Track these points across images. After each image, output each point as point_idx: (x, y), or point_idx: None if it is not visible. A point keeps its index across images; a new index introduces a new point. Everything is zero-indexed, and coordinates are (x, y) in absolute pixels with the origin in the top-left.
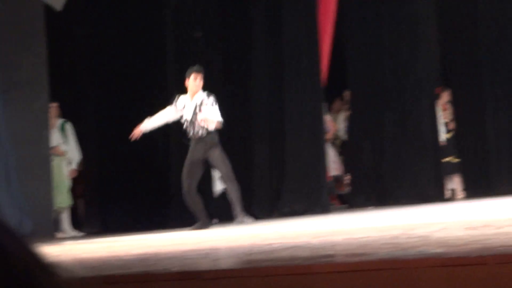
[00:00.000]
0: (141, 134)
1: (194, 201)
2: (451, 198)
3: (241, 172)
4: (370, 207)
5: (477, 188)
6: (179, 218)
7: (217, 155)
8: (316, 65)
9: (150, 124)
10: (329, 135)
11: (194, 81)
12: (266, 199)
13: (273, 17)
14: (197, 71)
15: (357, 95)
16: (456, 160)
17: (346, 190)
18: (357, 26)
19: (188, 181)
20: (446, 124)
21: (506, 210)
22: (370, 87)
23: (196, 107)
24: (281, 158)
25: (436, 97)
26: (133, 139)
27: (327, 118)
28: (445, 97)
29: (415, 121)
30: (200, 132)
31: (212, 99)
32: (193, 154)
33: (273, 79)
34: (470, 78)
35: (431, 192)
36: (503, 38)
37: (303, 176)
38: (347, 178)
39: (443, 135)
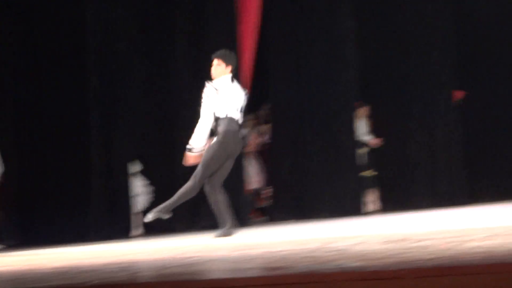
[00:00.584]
0: None
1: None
2: (370, 212)
3: (161, 185)
4: (290, 221)
5: (395, 201)
6: (99, 230)
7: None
8: (237, 77)
9: None
10: (249, 148)
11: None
12: (186, 213)
13: (196, 29)
14: None
15: (278, 108)
16: (374, 174)
17: (266, 203)
18: (278, 39)
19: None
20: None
21: (423, 223)
22: (290, 101)
23: None
24: None
25: (354, 110)
26: None
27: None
28: (363, 111)
29: (334, 135)
30: None
31: None
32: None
33: (196, 89)
34: (390, 92)
35: (350, 206)
36: (424, 51)
37: None
38: (268, 191)
39: (367, 138)
